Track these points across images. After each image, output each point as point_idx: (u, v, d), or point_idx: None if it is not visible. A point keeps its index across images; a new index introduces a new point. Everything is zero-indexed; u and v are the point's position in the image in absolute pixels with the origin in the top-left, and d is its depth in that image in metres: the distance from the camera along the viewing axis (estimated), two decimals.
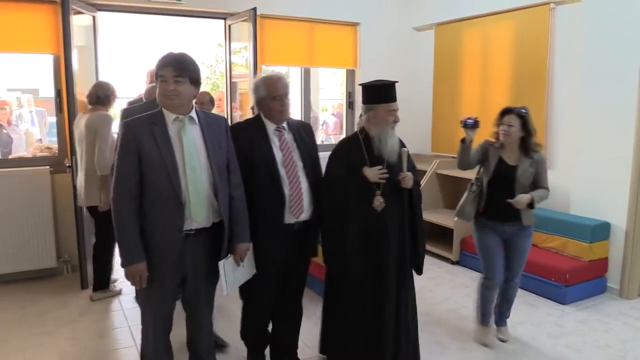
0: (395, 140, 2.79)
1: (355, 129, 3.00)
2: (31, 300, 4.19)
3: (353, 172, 2.76)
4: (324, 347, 3.12)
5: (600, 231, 4.29)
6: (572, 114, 4.64)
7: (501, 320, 3.62)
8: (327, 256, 2.85)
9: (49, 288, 4.47)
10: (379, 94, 2.78)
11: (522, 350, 3.44)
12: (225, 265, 2.47)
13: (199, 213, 2.31)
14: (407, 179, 2.78)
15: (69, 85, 4.25)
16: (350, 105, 6.21)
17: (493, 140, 3.52)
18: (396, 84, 2.82)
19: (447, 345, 3.48)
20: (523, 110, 3.39)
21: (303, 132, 2.85)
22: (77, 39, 4.48)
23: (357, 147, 2.80)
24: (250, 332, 3.04)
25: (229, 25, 5.35)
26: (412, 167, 2.92)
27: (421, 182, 5.45)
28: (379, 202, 2.74)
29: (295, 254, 2.83)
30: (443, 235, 5.37)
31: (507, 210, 3.23)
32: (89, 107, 4.14)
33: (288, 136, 2.75)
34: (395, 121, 2.78)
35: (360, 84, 2.88)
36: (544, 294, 4.29)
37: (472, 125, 3.40)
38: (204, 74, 12.06)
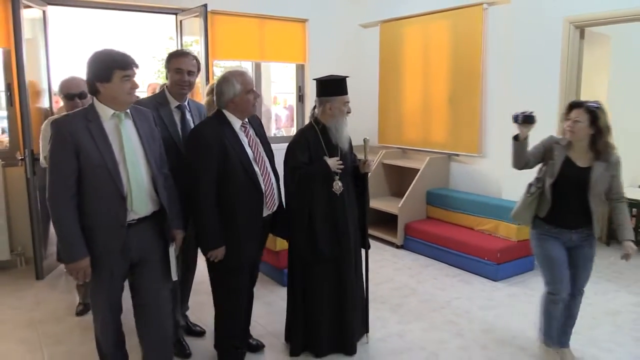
0: (346, 129, 3.11)
1: (307, 120, 3.28)
2: None
3: (314, 160, 3.05)
4: (289, 334, 3.34)
5: None
6: (503, 107, 5.02)
7: (564, 340, 3.26)
8: (297, 237, 3.08)
9: (3, 280, 4.52)
10: (335, 87, 3.08)
11: (456, 320, 3.78)
12: (171, 252, 2.58)
13: (140, 206, 2.38)
14: (370, 164, 3.24)
15: (21, 79, 4.29)
16: (301, 98, 6.45)
17: (560, 136, 3.13)
18: (315, 78, 3.15)
19: (388, 319, 3.79)
20: (594, 105, 2.92)
21: (256, 126, 3.04)
22: (28, 32, 4.52)
23: (315, 137, 3.08)
24: (230, 334, 3.04)
25: (181, 21, 5.48)
26: (354, 157, 3.31)
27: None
28: (338, 186, 3.08)
29: (263, 245, 3.11)
30: (388, 221, 5.69)
31: (577, 216, 2.96)
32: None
33: (251, 131, 2.89)
34: (349, 112, 3.10)
35: (315, 78, 3.14)
36: (478, 272, 4.67)
37: (524, 120, 3.00)
38: (155, 67, 12.04)
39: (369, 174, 3.33)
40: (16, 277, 4.61)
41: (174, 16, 5.52)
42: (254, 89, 2.82)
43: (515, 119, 3.02)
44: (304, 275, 3.13)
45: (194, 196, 2.70)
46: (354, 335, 3.26)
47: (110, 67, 2.26)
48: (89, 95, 2.83)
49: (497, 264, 4.52)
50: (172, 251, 2.58)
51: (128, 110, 2.40)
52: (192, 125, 3.07)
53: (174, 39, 5.75)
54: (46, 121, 3.73)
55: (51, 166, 2.27)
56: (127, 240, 2.37)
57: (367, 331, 3.43)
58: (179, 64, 3.01)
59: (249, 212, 2.79)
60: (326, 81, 3.08)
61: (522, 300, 4.15)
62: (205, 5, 5.05)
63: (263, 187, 2.82)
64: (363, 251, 3.36)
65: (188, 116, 3.12)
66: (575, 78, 4.52)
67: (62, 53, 6.42)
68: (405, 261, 5.10)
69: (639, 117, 5.69)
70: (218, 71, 7.05)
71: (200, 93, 4.99)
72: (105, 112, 2.32)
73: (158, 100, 3.07)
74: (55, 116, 3.62)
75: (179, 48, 5.59)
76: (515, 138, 3.08)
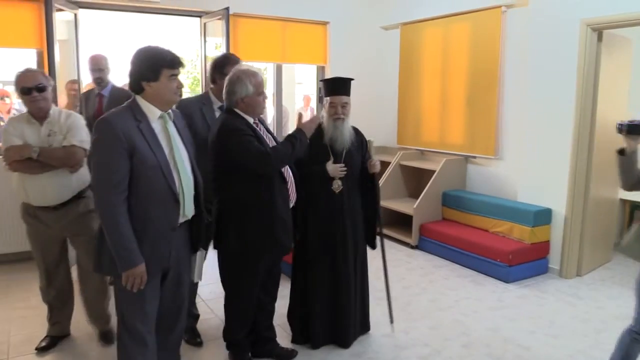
0: (339, 131, 3.16)
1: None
2: (13, 280, 4.49)
3: (315, 159, 3.14)
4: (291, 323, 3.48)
5: (542, 216, 4.70)
6: (520, 111, 5.03)
7: None
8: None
9: (29, 269, 4.74)
10: (325, 87, 3.23)
11: (462, 319, 3.82)
12: (199, 256, 2.58)
13: (189, 208, 2.36)
14: (376, 164, 3.31)
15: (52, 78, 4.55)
16: (321, 99, 6.56)
17: None
18: (359, 79, 3.27)
19: (395, 316, 3.82)
20: None
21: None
22: (60, 34, 4.78)
23: (318, 136, 3.16)
24: (242, 327, 3.06)
25: (204, 23, 5.66)
26: (369, 156, 3.40)
27: (385, 172, 5.86)
28: (337, 185, 3.19)
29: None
30: (404, 221, 5.75)
31: None
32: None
33: (263, 128, 2.96)
34: (336, 113, 3.15)
35: (320, 80, 3.28)
36: (489, 273, 4.69)
37: (630, 130, 2.51)
38: (186, 68, 12.37)
39: (377, 173, 3.39)
40: None
41: (199, 19, 5.71)
42: (265, 90, 2.87)
43: (620, 128, 2.53)
44: (303, 268, 3.26)
45: (278, 163, 2.75)
46: (349, 330, 3.33)
47: (159, 66, 2.20)
48: (49, 89, 2.97)
49: (509, 265, 4.53)
50: (201, 255, 2.58)
51: (170, 112, 2.36)
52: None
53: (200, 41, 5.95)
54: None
55: (102, 167, 2.15)
56: (171, 245, 2.33)
57: (391, 321, 3.57)
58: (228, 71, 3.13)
59: (283, 205, 2.85)
60: (322, 80, 3.25)
61: (531, 302, 4.16)
62: (227, 9, 5.22)
63: (288, 180, 2.92)
64: (374, 251, 3.48)
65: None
66: (592, 82, 4.49)
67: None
68: (418, 261, 5.15)
69: None
70: None
71: None
72: (152, 112, 2.26)
73: (202, 100, 3.24)
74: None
75: (203, 50, 5.79)
76: (621, 152, 2.55)
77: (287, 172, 2.92)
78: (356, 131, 3.35)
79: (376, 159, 3.35)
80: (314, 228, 3.18)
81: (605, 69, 4.55)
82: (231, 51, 5.41)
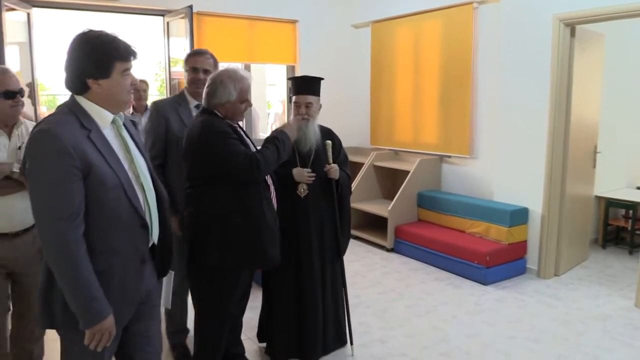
0: (304, 132, 2.97)
1: None
2: None
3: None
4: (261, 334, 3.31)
5: (519, 216, 4.60)
6: (494, 108, 4.93)
7: None
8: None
9: None
10: (292, 86, 3.08)
11: (440, 326, 3.68)
12: (167, 279, 2.22)
13: (156, 231, 1.94)
14: (333, 170, 3.06)
15: None
16: (291, 99, 6.37)
17: None
18: (330, 79, 3.10)
19: (371, 324, 3.70)
20: None
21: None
22: (12, 35, 4.50)
23: None
24: (215, 352, 2.80)
25: (167, 22, 5.43)
26: (344, 158, 3.22)
27: (359, 174, 5.71)
28: (302, 189, 3.00)
29: None
30: (379, 223, 5.61)
31: None
32: None
33: (242, 133, 2.80)
34: (301, 114, 2.97)
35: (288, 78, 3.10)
36: (467, 275, 4.57)
37: None
38: (153, 70, 11.99)
39: (337, 180, 3.13)
40: None
41: (161, 18, 5.48)
42: (248, 98, 2.64)
43: None
44: (267, 278, 3.10)
45: (265, 169, 2.54)
46: (316, 344, 3.12)
47: (110, 58, 1.72)
48: (25, 94, 2.53)
49: (486, 267, 4.42)
50: (169, 278, 2.18)
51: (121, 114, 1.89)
52: None
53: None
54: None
55: (50, 194, 1.63)
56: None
57: (351, 343, 3.27)
58: (195, 63, 2.99)
59: (269, 212, 2.67)
60: (289, 79, 3.09)
61: (510, 304, 4.05)
62: (190, 7, 5.00)
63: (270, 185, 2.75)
64: (351, 254, 3.30)
65: None
66: (566, 78, 4.41)
67: (48, 55, 6.38)
68: (394, 265, 5.01)
69: (634, 118, 5.57)
70: None
71: None
72: (102, 117, 1.78)
73: (177, 100, 3.05)
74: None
75: (167, 51, 5.56)
76: None
77: (268, 178, 2.75)
78: (327, 132, 3.15)
79: (334, 164, 3.08)
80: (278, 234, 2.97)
81: (578, 65, 4.48)
82: None
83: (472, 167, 5.27)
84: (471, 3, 5.04)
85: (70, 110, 1.74)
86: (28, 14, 4.80)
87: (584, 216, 4.98)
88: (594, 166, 5.01)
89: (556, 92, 4.38)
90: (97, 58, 1.71)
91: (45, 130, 1.65)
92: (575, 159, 4.63)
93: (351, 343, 3.23)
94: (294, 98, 3.02)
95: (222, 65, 2.93)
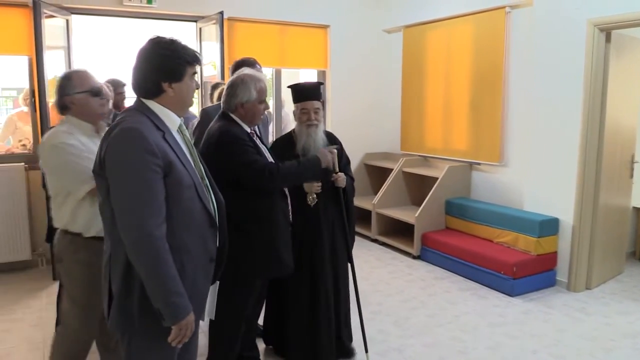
0: (312, 139, 2.94)
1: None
2: (3, 290, 4.40)
3: None
4: (267, 336, 3.32)
5: (549, 226, 4.47)
6: (525, 115, 4.81)
7: None
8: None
9: (22, 279, 4.68)
10: (294, 94, 3.02)
11: (461, 336, 3.61)
12: (213, 288, 2.13)
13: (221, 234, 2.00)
14: (340, 179, 3.02)
15: (41, 85, 4.47)
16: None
17: None
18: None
19: (390, 333, 3.66)
20: None
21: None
22: (54, 41, 4.70)
23: (290, 144, 3.01)
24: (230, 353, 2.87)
25: (200, 28, 5.55)
26: (346, 161, 3.20)
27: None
28: (311, 198, 2.99)
29: None
30: (406, 230, 5.55)
31: None
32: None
33: (257, 140, 2.80)
34: (309, 119, 2.95)
35: (288, 86, 3.08)
36: (493, 286, 4.47)
37: None
38: None
39: (344, 188, 3.08)
40: (36, 277, 4.76)
41: (194, 24, 5.59)
42: (266, 100, 2.71)
43: None
44: (279, 284, 3.07)
45: (280, 181, 2.59)
46: (330, 347, 3.09)
47: (183, 62, 1.81)
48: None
49: (513, 278, 4.31)
50: (215, 288, 2.11)
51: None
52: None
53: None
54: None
55: (138, 192, 1.66)
56: None
57: (366, 350, 3.19)
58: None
59: (284, 220, 2.72)
60: (291, 87, 3.03)
61: (536, 317, 3.94)
62: (221, 13, 5.09)
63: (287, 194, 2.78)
64: (374, 261, 3.28)
65: None
66: (600, 84, 4.26)
67: (87, 60, 6.62)
68: (419, 272, 4.94)
69: None
70: None
71: None
72: (172, 120, 1.85)
73: None
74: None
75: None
76: None
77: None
78: (330, 137, 3.12)
79: (341, 173, 3.02)
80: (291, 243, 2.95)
81: (614, 71, 4.32)
82: (227, 56, 5.29)
83: (502, 174, 5.16)
84: (503, 7, 4.94)
85: (142, 113, 1.80)
86: (67, 21, 4.99)
87: (619, 228, 4.79)
88: (631, 176, 4.81)
89: (590, 99, 4.24)
90: (173, 62, 1.79)
91: (131, 129, 1.70)
92: (610, 168, 4.46)
93: (366, 351, 3.19)
94: (299, 105, 2.98)
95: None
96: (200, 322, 1.97)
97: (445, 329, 3.74)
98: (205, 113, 3.26)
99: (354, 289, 3.17)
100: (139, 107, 1.83)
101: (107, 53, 7.17)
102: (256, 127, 3.04)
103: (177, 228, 1.75)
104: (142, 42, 1.83)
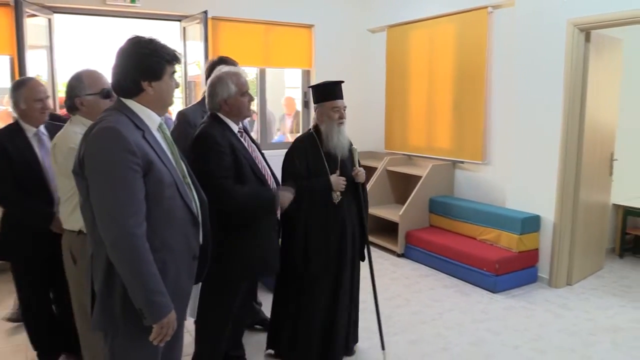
0: (342, 136, 3.00)
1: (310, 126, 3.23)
2: None
3: (311, 167, 2.99)
4: (273, 342, 3.25)
5: (530, 224, 4.53)
6: (507, 114, 4.87)
7: None
8: (290, 250, 2.97)
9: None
10: (323, 92, 3.02)
11: (445, 333, 3.66)
12: (194, 289, 2.19)
13: (201, 232, 2.00)
14: (361, 174, 3.10)
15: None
16: (306, 104, 6.41)
17: None
18: (345, 83, 3.09)
19: (375, 330, 3.66)
20: None
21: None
22: (36, 40, 4.66)
23: (313, 144, 3.03)
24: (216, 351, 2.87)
25: (184, 27, 5.53)
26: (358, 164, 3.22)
27: (372, 178, 5.71)
28: (336, 196, 3.00)
29: None
30: (390, 228, 5.59)
31: None
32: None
33: (247, 137, 2.77)
34: (341, 117, 2.99)
35: (309, 86, 3.10)
36: (476, 283, 4.53)
37: None
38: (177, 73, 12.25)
39: (363, 183, 3.18)
40: None
41: (178, 23, 5.58)
42: (249, 91, 2.68)
43: None
44: (300, 285, 3.01)
45: (228, 204, 2.50)
46: (340, 347, 3.14)
47: (162, 61, 1.82)
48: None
49: (495, 275, 4.37)
50: (196, 288, 2.16)
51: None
52: None
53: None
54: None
55: (118, 191, 1.67)
56: None
57: (382, 348, 3.33)
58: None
59: (266, 220, 2.70)
60: (316, 86, 3.06)
61: (518, 313, 4.00)
62: (205, 12, 5.09)
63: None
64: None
65: None
66: (580, 83, 4.33)
67: (70, 59, 6.57)
68: (403, 270, 4.99)
69: None
70: None
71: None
72: (152, 119, 1.85)
73: (202, 107, 3.08)
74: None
75: (183, 55, 5.65)
76: None
77: (272, 185, 2.75)
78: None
79: (361, 168, 3.13)
80: (317, 243, 2.96)
81: (594, 70, 4.40)
82: (211, 55, 5.28)
83: (485, 173, 5.22)
84: (485, 7, 4.99)
85: (121, 112, 1.80)
86: (49, 20, 4.95)
87: (599, 225, 4.88)
88: (611, 174, 4.90)
89: (570, 98, 4.31)
90: (152, 61, 1.80)
91: (109, 128, 1.70)
92: (590, 166, 4.54)
93: (383, 348, 3.28)
94: (328, 103, 2.99)
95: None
96: (185, 321, 1.99)
97: (429, 326, 3.78)
98: (182, 115, 3.24)
99: (372, 287, 3.26)
100: (118, 106, 1.83)
101: (91, 52, 7.12)
102: (247, 124, 3.06)
103: (159, 226, 1.76)
104: (123, 41, 1.84)
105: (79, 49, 7.14)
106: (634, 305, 4.14)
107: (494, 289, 4.39)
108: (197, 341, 2.87)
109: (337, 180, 2.98)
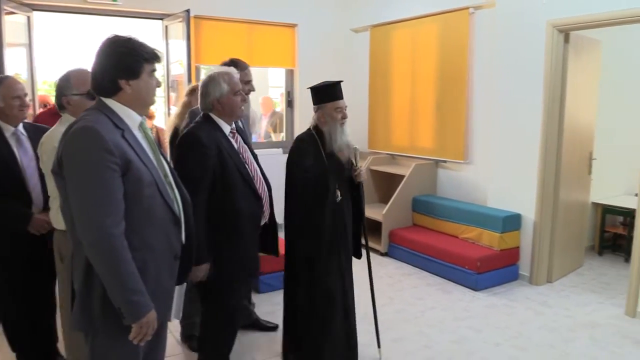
0: (345, 137, 2.99)
1: (297, 126, 3.19)
2: None
3: (315, 168, 2.93)
4: (294, 347, 3.16)
5: (511, 222, 4.59)
6: (489, 114, 4.92)
7: None
8: (306, 248, 2.93)
9: None
10: (325, 93, 2.99)
11: (427, 331, 3.69)
12: (179, 289, 2.11)
13: (183, 231, 1.99)
14: (362, 173, 3.08)
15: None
16: (290, 103, 6.41)
17: None
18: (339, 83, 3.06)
19: (358, 329, 3.67)
20: None
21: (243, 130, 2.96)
22: (15, 38, 4.59)
23: (314, 145, 2.98)
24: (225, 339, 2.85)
25: (166, 26, 5.49)
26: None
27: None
28: (337, 194, 2.95)
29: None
30: (373, 227, 5.60)
31: None
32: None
33: (240, 138, 2.72)
34: (343, 117, 2.99)
35: (308, 87, 3.07)
36: (459, 281, 4.57)
37: None
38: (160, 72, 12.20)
39: (362, 183, 3.15)
40: None
41: (160, 22, 5.54)
42: (241, 91, 2.65)
43: None
44: (311, 285, 2.96)
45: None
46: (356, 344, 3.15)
47: (140, 59, 1.82)
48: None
49: (477, 273, 4.41)
50: (181, 288, 2.09)
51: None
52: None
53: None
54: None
55: (96, 191, 1.66)
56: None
57: (378, 346, 3.36)
58: (245, 76, 3.13)
59: (251, 222, 2.65)
60: (316, 88, 3.01)
61: (499, 311, 4.04)
62: (187, 11, 5.06)
63: (260, 193, 2.68)
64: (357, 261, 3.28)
65: (239, 123, 3.17)
66: (559, 83, 4.40)
67: (50, 58, 6.49)
68: (387, 269, 5.02)
69: (633, 125, 5.52)
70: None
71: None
72: (132, 118, 1.85)
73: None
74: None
75: (166, 54, 5.61)
76: None
77: (262, 187, 2.70)
78: None
79: (361, 167, 3.10)
80: (323, 241, 2.92)
81: (573, 71, 4.46)
82: (194, 55, 5.27)
83: (467, 172, 5.27)
84: (467, 8, 5.04)
85: (100, 111, 1.80)
86: (28, 17, 4.88)
87: (578, 223, 4.96)
88: (590, 172, 4.98)
89: (549, 98, 4.37)
90: (128, 59, 1.79)
91: (86, 127, 1.70)
92: (570, 165, 4.61)
93: (378, 346, 3.30)
94: (334, 104, 2.97)
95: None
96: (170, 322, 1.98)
97: (411, 324, 3.81)
98: (194, 113, 3.22)
99: (370, 284, 3.28)
100: (98, 106, 1.83)
101: (73, 51, 7.02)
102: (240, 124, 3.01)
103: (139, 225, 1.76)
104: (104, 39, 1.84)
105: (60, 48, 7.04)
106: (612, 301, 4.21)
107: (475, 287, 4.43)
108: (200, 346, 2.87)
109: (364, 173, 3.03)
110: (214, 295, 2.69)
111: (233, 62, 3.21)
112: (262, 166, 2.82)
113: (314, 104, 3.04)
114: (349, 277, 3.09)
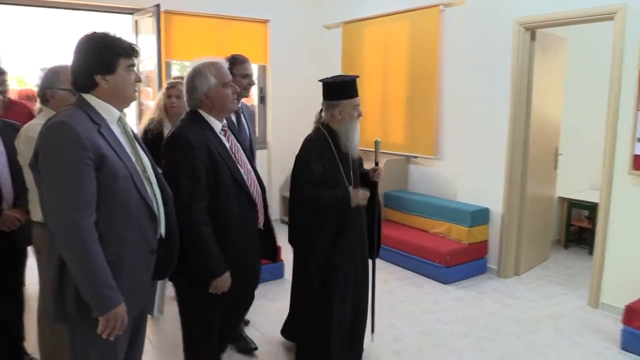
0: (358, 135, 2.88)
1: (271, 122, 3.13)
2: None
3: (326, 170, 2.82)
4: (294, 331, 3.22)
5: (479, 216, 4.67)
6: (458, 110, 5.00)
7: None
8: (315, 249, 2.85)
9: None
10: (345, 89, 2.81)
11: (396, 324, 3.75)
12: (161, 284, 2.12)
13: (163, 226, 1.99)
14: (379, 172, 3.01)
15: None
16: (262, 99, 6.40)
17: None
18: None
19: None
20: None
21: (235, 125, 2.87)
22: None
23: (326, 145, 2.84)
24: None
25: (136, 21, 5.43)
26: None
27: None
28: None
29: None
30: None
31: None
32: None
33: (232, 136, 2.49)
34: (359, 115, 2.86)
35: (321, 80, 2.88)
36: (429, 275, 4.64)
37: None
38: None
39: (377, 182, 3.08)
40: None
41: (130, 16, 5.47)
42: (231, 82, 2.40)
43: None
44: (325, 285, 2.89)
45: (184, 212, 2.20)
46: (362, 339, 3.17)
47: (115, 54, 1.82)
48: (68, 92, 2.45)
49: (446, 266, 4.49)
50: (162, 284, 2.10)
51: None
52: (247, 129, 3.05)
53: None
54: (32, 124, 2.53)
55: (65, 184, 1.69)
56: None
57: (372, 331, 3.30)
58: (245, 70, 3.14)
59: (244, 229, 2.40)
60: (333, 83, 2.81)
61: (467, 303, 4.12)
62: (158, 5, 5.00)
63: (254, 196, 2.44)
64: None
65: (242, 119, 3.19)
66: (526, 81, 4.49)
67: (15, 51, 6.36)
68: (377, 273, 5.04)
69: (597, 121, 5.65)
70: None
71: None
72: (110, 113, 1.86)
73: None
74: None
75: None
76: None
77: (257, 191, 2.47)
78: None
79: (380, 167, 3.02)
80: (340, 245, 2.86)
81: (539, 68, 4.56)
82: (164, 50, 5.22)
83: (437, 167, 5.34)
84: (437, 5, 5.10)
85: (79, 107, 1.82)
86: None
87: (545, 217, 5.07)
88: (556, 167, 5.10)
89: (516, 94, 4.46)
90: (103, 54, 1.81)
91: (60, 122, 1.73)
92: (536, 160, 4.72)
93: (372, 331, 3.28)
94: (351, 101, 2.82)
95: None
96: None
97: (382, 318, 3.83)
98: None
99: (372, 282, 3.21)
100: (77, 101, 1.86)
101: (41, 45, 6.89)
102: (234, 120, 2.92)
103: (113, 219, 1.78)
104: (76, 34, 1.86)
105: (28, 42, 6.91)
106: (576, 293, 4.33)
107: (445, 280, 4.51)
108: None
109: (357, 195, 2.80)
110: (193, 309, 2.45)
111: (233, 58, 3.19)
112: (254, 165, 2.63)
113: (327, 99, 2.85)
114: (364, 277, 3.07)
